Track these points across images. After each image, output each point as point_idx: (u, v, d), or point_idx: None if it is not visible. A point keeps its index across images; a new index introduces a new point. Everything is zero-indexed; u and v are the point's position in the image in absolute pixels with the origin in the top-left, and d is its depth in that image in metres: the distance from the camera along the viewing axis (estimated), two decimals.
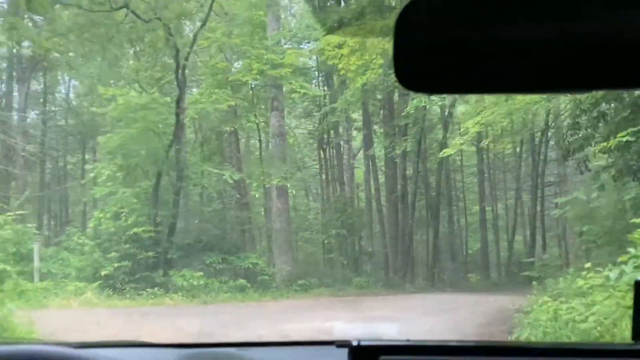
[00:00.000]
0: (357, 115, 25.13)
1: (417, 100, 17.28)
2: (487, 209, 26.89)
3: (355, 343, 1.58)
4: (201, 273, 16.95)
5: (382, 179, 24.48)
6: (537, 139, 25.01)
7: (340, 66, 13.77)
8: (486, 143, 19.48)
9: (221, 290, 16.80)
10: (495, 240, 26.70)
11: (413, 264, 22.65)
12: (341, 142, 24.89)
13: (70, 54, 23.01)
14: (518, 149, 25.36)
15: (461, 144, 14.72)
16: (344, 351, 1.60)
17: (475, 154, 26.45)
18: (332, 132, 24.70)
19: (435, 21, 0.88)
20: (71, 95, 28.43)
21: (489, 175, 27.65)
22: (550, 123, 24.34)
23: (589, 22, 0.84)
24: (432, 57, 0.89)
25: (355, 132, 26.20)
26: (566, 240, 28.75)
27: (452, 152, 16.19)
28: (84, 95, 26.76)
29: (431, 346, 1.66)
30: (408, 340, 1.68)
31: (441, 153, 17.19)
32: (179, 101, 16.86)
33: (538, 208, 24.57)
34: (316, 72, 25.51)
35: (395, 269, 21.55)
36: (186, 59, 16.89)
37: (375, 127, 24.79)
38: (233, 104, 18.64)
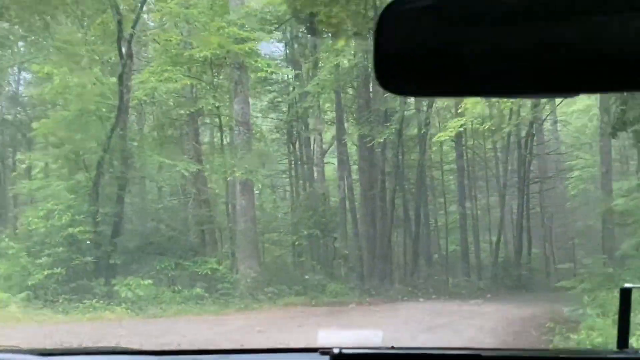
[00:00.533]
0: (328, 106, 23.13)
1: None
2: (468, 207, 24.96)
3: (336, 351, 1.57)
4: (150, 281, 14.58)
5: (356, 175, 22.42)
6: (523, 132, 23.19)
7: (320, 17, 11.32)
8: (485, 126, 17.33)
9: (174, 301, 14.43)
10: (475, 242, 24.69)
11: (392, 268, 20.58)
12: (311, 137, 22.71)
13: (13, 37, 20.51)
14: (505, 142, 23.37)
15: (462, 125, 12.54)
16: (326, 359, 1.58)
17: (454, 150, 24.61)
18: (302, 122, 22.52)
19: (415, 22, 0.87)
20: (21, 88, 25.79)
21: (468, 173, 25.71)
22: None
23: (567, 24, 0.84)
24: (412, 59, 0.88)
25: (327, 125, 24.09)
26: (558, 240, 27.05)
27: (450, 136, 13.99)
28: (29, 84, 23.97)
29: (416, 354, 1.68)
30: (392, 348, 1.71)
31: (436, 137, 15.00)
32: (122, 77, 14.25)
33: (530, 206, 22.73)
34: (285, 62, 23.30)
35: (373, 274, 19.50)
36: (133, 26, 14.30)
37: (350, 118, 22.74)
38: (188, 83, 16.08)
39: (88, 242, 14.57)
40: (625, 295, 1.61)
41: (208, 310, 14.27)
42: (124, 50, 14.39)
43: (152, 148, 16.25)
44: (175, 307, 14.21)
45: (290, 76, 19.98)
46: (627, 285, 1.64)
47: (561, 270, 25.69)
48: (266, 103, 24.11)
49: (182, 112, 17.24)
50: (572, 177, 26.05)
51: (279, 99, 23.20)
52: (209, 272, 15.75)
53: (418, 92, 1.02)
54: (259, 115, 24.30)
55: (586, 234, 25.42)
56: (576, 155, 25.90)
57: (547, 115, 25.20)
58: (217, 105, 16.79)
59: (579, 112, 25.26)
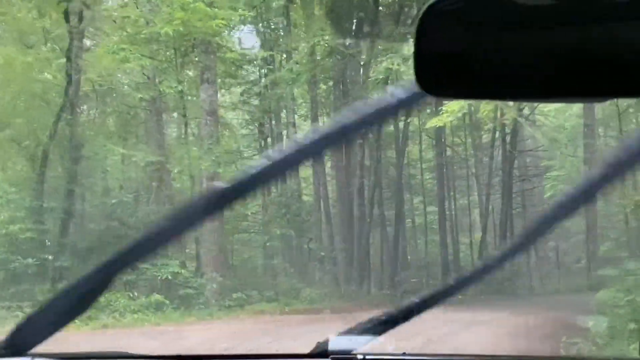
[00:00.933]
0: (301, 102, 21.91)
1: (388, 62, 13.76)
2: (446, 207, 23.93)
3: (360, 357, 1.51)
4: None
5: (332, 171, 21.18)
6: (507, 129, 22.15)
7: None
8: (480, 115, 16.17)
9: (129, 309, 12.92)
10: (454, 243, 23.59)
11: (370, 271, 19.37)
12: (284, 132, 21.41)
13: None
14: (489, 138, 22.36)
15: (458, 110, 11.28)
16: None
17: (434, 148, 23.62)
18: (274, 115, 21.29)
19: (456, 26, 0.87)
20: None
21: (447, 172, 24.67)
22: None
23: (610, 28, 0.83)
24: (453, 62, 0.89)
25: (301, 119, 22.83)
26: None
27: (446, 122, 12.68)
28: None
29: None
30: (404, 354, 1.67)
31: (426, 125, 13.73)
32: (70, 53, 12.57)
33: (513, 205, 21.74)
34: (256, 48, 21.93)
35: (351, 278, 18.24)
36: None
37: (325, 111, 21.48)
38: (148, 64, 14.48)
39: (30, 242, 12.95)
40: None
41: (168, 318, 12.78)
42: (72, 22, 12.69)
43: (107, 137, 14.63)
44: (130, 316, 12.73)
45: (261, 61, 18.53)
46: None
47: (547, 275, 24.77)
48: (237, 96, 22.81)
49: (141, 95, 15.59)
50: (549, 177, 25.24)
51: (251, 91, 21.89)
52: (170, 277, 14.36)
53: (458, 95, 0.98)
54: (229, 108, 23.02)
55: (568, 234, 24.65)
56: (551, 156, 25.08)
57: (529, 114, 24.37)
58: (180, 89, 15.19)
59: (555, 112, 24.61)
